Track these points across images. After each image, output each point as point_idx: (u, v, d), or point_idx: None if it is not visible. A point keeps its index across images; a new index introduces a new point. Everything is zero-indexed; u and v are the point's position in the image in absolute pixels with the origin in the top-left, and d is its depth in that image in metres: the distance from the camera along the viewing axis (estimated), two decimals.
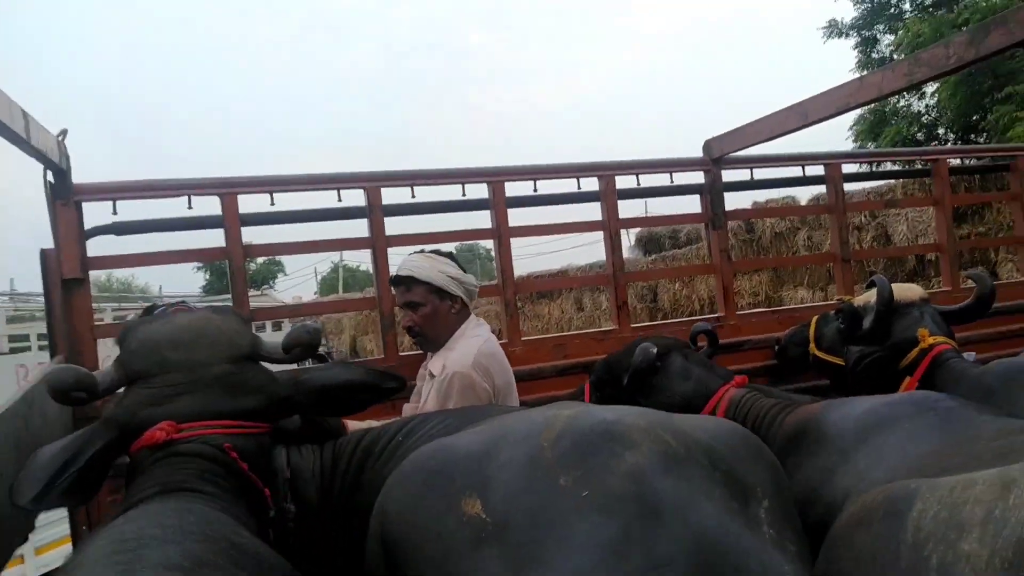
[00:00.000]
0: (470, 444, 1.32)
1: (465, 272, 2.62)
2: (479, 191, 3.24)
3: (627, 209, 3.48)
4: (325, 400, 1.80)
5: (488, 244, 3.43)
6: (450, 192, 3.23)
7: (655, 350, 2.47)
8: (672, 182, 3.63)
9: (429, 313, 2.52)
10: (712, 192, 3.62)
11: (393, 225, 3.05)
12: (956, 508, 1.01)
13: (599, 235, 3.47)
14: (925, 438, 1.63)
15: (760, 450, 1.36)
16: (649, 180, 3.60)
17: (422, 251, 2.67)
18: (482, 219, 3.29)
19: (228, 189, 2.83)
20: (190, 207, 2.84)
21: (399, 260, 2.72)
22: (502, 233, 3.19)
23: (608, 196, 3.39)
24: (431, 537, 1.19)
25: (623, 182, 3.46)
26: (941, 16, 12.17)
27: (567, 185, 3.45)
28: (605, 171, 3.40)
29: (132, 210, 2.84)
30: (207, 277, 36.13)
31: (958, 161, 4.59)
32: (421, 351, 2.78)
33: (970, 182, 8.05)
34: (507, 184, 3.22)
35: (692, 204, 3.78)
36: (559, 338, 3.40)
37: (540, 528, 1.11)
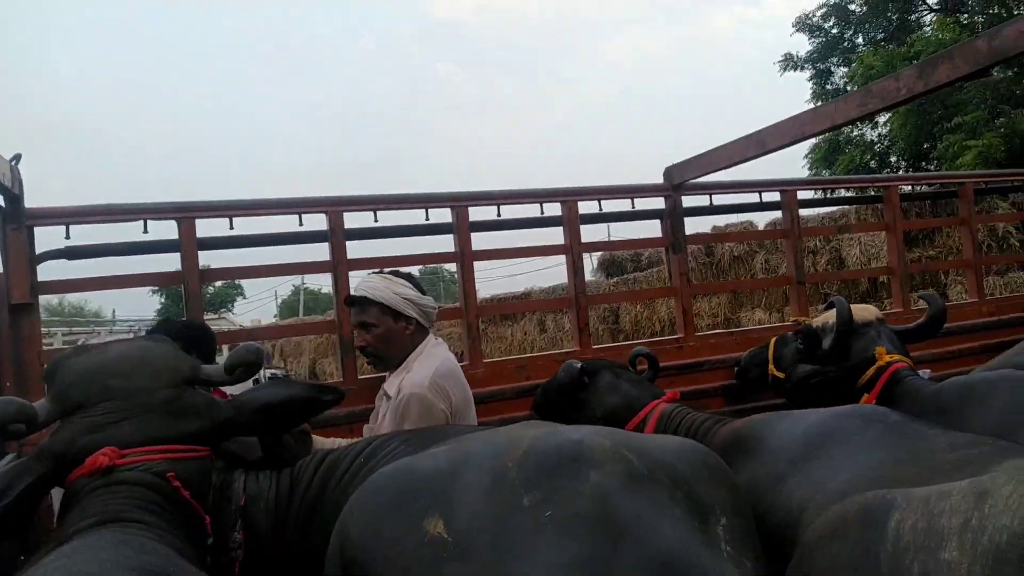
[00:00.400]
0: (435, 464, 1.32)
1: (423, 294, 2.61)
2: (443, 216, 3.24)
3: (590, 233, 3.53)
4: (267, 418, 1.78)
5: (452, 267, 3.43)
6: (414, 216, 3.23)
7: (579, 366, 2.59)
8: (634, 207, 3.68)
9: (382, 334, 2.51)
10: (672, 217, 3.68)
11: (355, 249, 3.04)
12: (934, 518, 1.04)
13: (562, 258, 3.49)
14: (877, 450, 1.66)
15: (720, 469, 1.39)
16: (611, 205, 3.66)
17: (380, 272, 2.66)
18: (446, 243, 3.29)
19: (185, 214, 2.79)
20: (146, 231, 2.78)
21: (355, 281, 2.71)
22: (465, 257, 3.19)
23: (571, 221, 3.42)
24: (392, 557, 1.19)
25: (586, 207, 3.50)
26: (892, 50, 12.63)
27: (531, 210, 3.48)
28: (568, 196, 3.44)
29: (86, 235, 2.78)
30: (162, 301, 35.33)
31: (909, 188, 4.73)
32: (380, 374, 2.75)
33: (920, 208, 8.33)
34: (471, 209, 3.23)
35: (653, 228, 3.84)
36: (521, 360, 3.40)
37: (502, 548, 1.11)
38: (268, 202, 3.00)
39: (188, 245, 2.78)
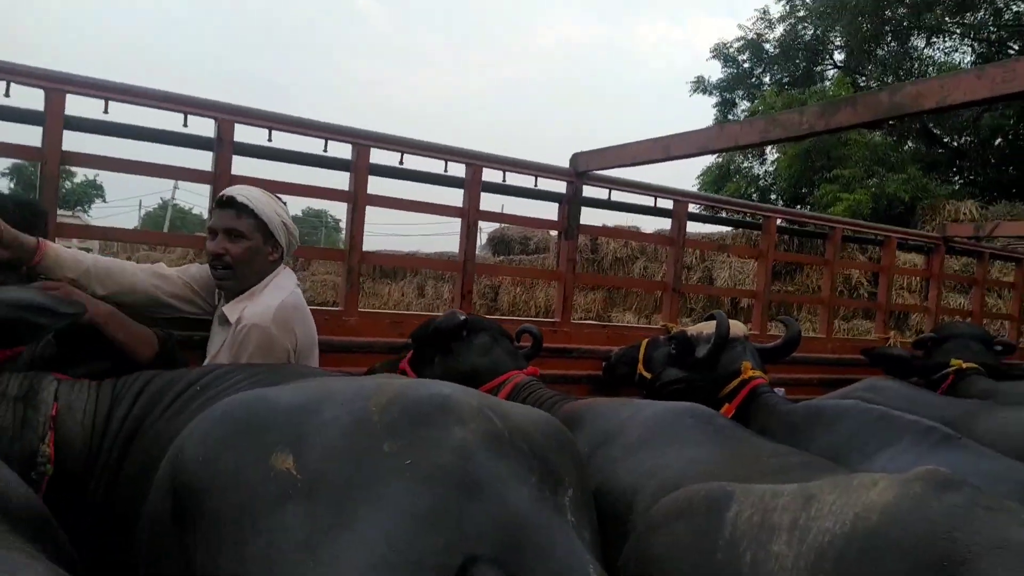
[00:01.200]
0: (291, 397, 1.25)
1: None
2: (342, 151, 3.10)
3: (486, 203, 3.50)
4: None
5: (336, 213, 3.29)
6: (310, 145, 3.06)
7: (463, 318, 2.58)
8: (536, 186, 3.69)
9: (251, 248, 2.29)
10: (571, 203, 3.72)
11: (241, 165, 2.84)
12: (767, 513, 1.16)
13: (449, 226, 3.46)
14: (707, 447, 1.81)
15: (571, 443, 1.42)
16: (514, 180, 3.64)
17: (260, 189, 2.45)
18: (340, 181, 3.15)
19: (57, 85, 2.50)
20: (7, 95, 2.47)
21: None
22: (359, 199, 3.07)
23: (473, 185, 3.38)
24: (231, 488, 1.12)
25: (489, 175, 3.47)
26: (794, 94, 13.42)
27: (434, 166, 3.39)
28: (474, 160, 3.39)
29: None
30: (12, 186, 32.01)
31: (785, 223, 5.05)
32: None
33: (789, 245, 8.94)
34: (372, 151, 3.11)
35: (548, 211, 3.87)
36: (397, 315, 3.34)
37: (354, 490, 1.07)
38: (154, 92, 2.71)
39: (54, 120, 2.49)
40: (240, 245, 2.28)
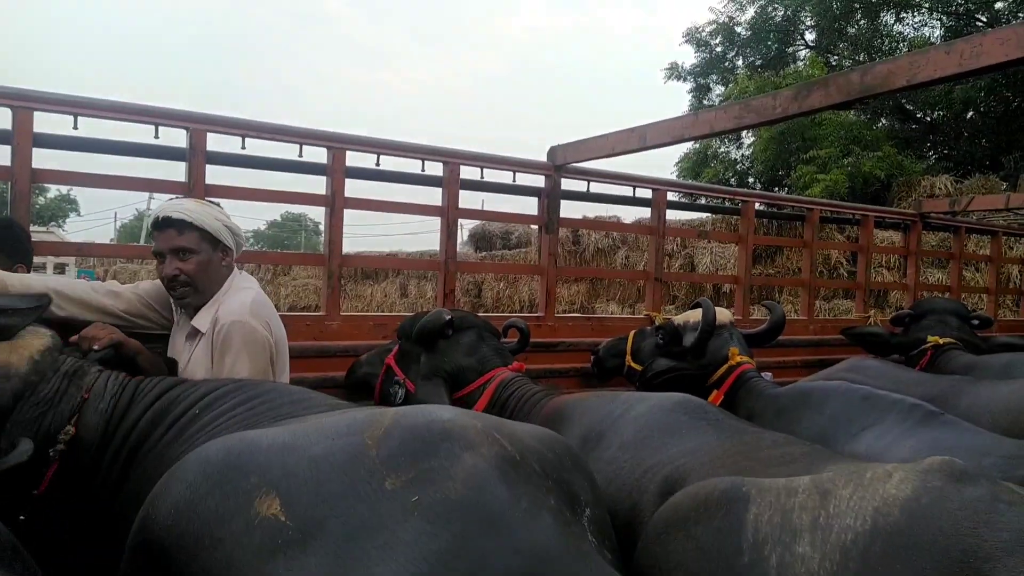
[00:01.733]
0: (273, 436, 1.14)
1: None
2: (318, 155, 3.08)
3: (465, 200, 3.50)
4: None
5: (316, 217, 3.27)
6: (285, 151, 3.04)
7: (448, 317, 2.57)
8: (515, 181, 3.69)
9: (203, 261, 2.25)
10: (551, 197, 3.72)
11: (216, 174, 2.81)
12: (787, 514, 1.16)
13: (432, 224, 3.44)
14: (705, 439, 1.80)
15: (581, 459, 1.37)
16: (492, 176, 3.64)
17: (190, 198, 2.44)
18: (317, 185, 3.13)
19: (24, 103, 2.46)
20: None
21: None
22: (336, 202, 3.05)
23: (451, 183, 3.37)
24: (210, 544, 1.00)
25: (467, 172, 3.46)
26: (767, 77, 13.48)
27: (411, 166, 3.38)
28: (451, 158, 3.38)
29: None
30: None
31: (763, 207, 5.08)
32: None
33: (769, 228, 9.00)
34: (349, 153, 3.09)
35: (528, 206, 3.87)
36: (380, 318, 3.32)
37: (355, 537, 0.96)
38: (124, 106, 2.68)
39: (22, 138, 2.45)
40: (192, 261, 2.24)
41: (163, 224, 2.24)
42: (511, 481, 1.07)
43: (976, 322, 3.99)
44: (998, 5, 13.78)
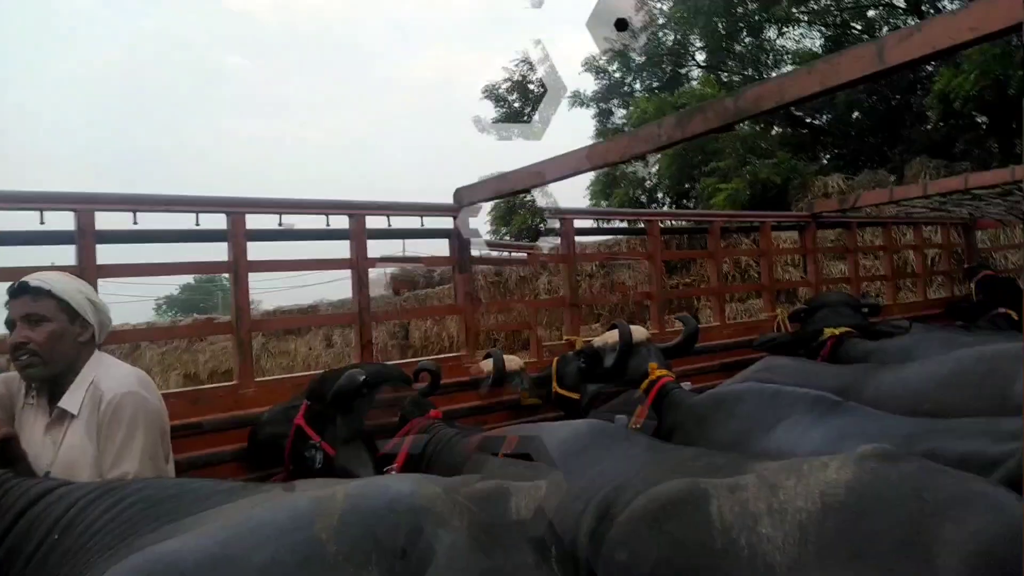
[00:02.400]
0: (199, 549, 0.94)
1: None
2: (217, 221, 3.02)
3: (383, 248, 3.49)
4: None
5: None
6: (182, 221, 2.97)
7: (362, 378, 2.54)
8: (423, 225, 3.71)
9: (56, 331, 2.07)
10: (460, 238, 3.76)
11: (108, 253, 2.72)
12: (743, 504, 1.34)
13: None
14: (636, 457, 1.90)
15: (533, 502, 1.35)
16: (402, 222, 3.65)
17: (59, 272, 2.30)
18: (220, 250, 3.07)
19: None
20: None
21: (113, 289, 2.40)
22: (239, 267, 3.00)
23: (358, 235, 3.36)
24: None
25: (374, 222, 3.46)
26: (664, 97, 14.03)
27: (315, 222, 3.36)
28: (355, 210, 3.37)
29: None
30: None
31: (671, 223, 5.28)
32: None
33: (680, 240, 9.31)
34: (249, 217, 3.05)
35: (445, 247, 3.89)
36: (297, 378, 3.25)
37: None
38: (5, 195, 2.59)
39: None
40: (43, 329, 2.06)
41: (19, 291, 2.10)
42: (491, 548, 1.03)
43: (866, 310, 4.27)
44: (871, 13, 14.85)
